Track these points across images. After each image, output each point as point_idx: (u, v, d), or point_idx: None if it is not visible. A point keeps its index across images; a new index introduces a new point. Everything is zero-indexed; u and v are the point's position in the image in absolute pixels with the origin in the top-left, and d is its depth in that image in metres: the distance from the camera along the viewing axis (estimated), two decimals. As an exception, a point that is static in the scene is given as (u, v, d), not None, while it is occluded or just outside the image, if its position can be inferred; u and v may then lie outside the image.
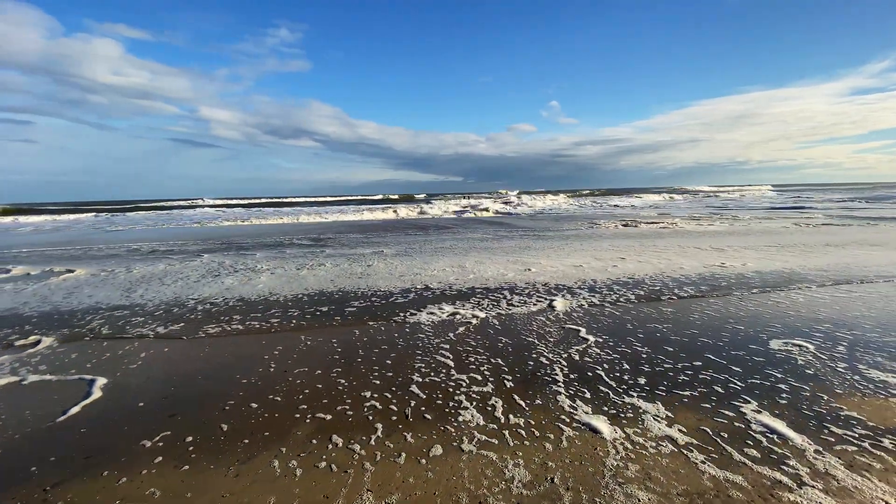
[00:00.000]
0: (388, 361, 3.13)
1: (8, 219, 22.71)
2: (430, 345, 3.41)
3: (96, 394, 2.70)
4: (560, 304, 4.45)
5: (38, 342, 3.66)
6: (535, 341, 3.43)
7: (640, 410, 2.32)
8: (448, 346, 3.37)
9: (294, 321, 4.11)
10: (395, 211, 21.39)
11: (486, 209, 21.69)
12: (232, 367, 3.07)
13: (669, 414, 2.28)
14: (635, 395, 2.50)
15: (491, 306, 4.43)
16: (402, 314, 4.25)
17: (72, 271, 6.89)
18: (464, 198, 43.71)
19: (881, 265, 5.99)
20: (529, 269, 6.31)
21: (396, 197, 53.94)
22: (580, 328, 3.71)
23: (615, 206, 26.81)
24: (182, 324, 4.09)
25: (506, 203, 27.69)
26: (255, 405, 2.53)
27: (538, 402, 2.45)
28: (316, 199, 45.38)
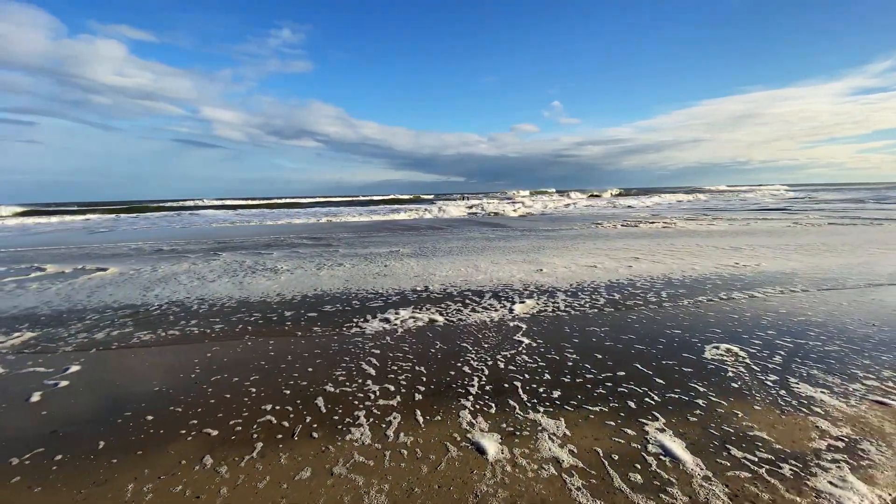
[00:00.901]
0: (310, 370, 3.02)
1: (30, 220, 22.82)
2: (361, 351, 3.29)
3: (-12, 405, 2.60)
4: (522, 308, 4.31)
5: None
6: (472, 348, 3.30)
7: (539, 428, 2.19)
8: (379, 353, 3.26)
9: (240, 327, 4.00)
10: (417, 212, 21.22)
11: (498, 211, 21.42)
12: (152, 376, 2.96)
13: (567, 432, 2.15)
14: (542, 409, 2.37)
15: (463, 310, 4.30)
16: (360, 318, 4.13)
17: (104, 269, 6.88)
18: (472, 198, 43.46)
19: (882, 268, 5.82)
20: (541, 270, 6.19)
21: (409, 197, 53.38)
22: (523, 336, 3.58)
23: (629, 206, 26.59)
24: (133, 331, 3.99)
25: (517, 203, 27.51)
26: (150, 418, 2.42)
27: (438, 417, 2.33)
28: (329, 200, 44.75)
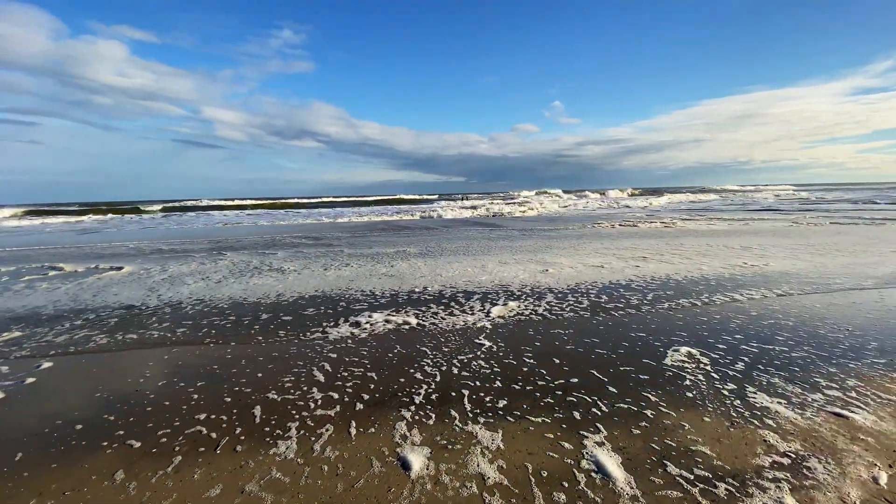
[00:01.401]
0: (260, 376, 2.93)
1: (37, 220, 22.89)
2: (318, 357, 3.19)
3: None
4: (501, 310, 4.19)
5: None
6: (432, 353, 3.20)
7: (474, 441, 2.09)
8: (335, 358, 3.16)
9: (206, 330, 3.91)
10: (430, 214, 21.04)
11: (504, 212, 21.22)
12: (100, 383, 2.87)
13: (502, 445, 2.04)
14: (482, 421, 2.27)
15: (441, 313, 4.20)
16: (332, 322, 4.04)
17: (120, 268, 6.83)
18: (474, 198, 43.10)
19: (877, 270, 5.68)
20: (547, 270, 6.09)
21: (417, 197, 52.79)
22: (486, 340, 3.47)
23: (646, 205, 26.39)
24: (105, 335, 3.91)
25: (525, 204, 27.33)
26: (78, 427, 2.34)
27: (372, 429, 2.22)
28: (336, 200, 44.20)
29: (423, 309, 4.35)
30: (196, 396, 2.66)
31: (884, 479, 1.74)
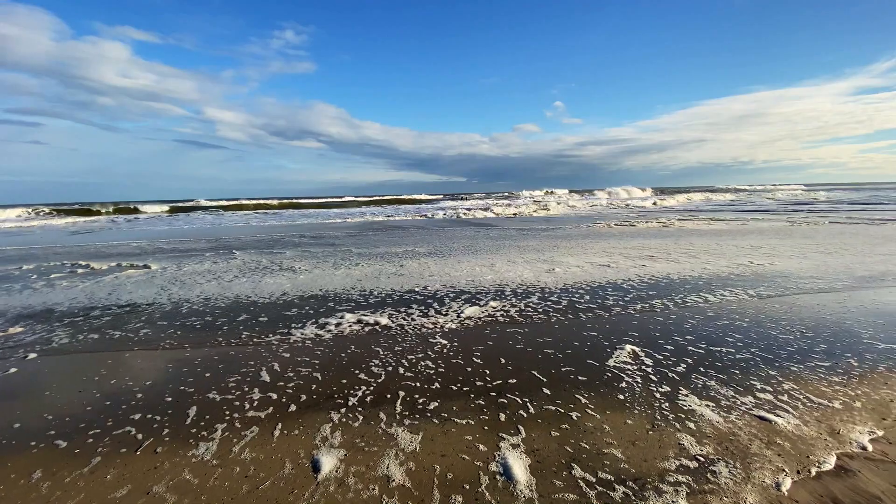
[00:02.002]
0: (208, 375, 2.96)
1: (74, 219, 23.12)
2: (272, 357, 3.21)
3: None
4: (474, 311, 4.19)
5: None
6: (385, 353, 3.21)
7: (393, 442, 2.10)
8: (288, 358, 3.17)
9: (171, 332, 3.95)
10: (445, 214, 20.94)
11: (529, 212, 21.13)
12: (56, 383, 2.90)
13: (419, 447, 2.05)
14: (408, 422, 2.28)
15: (414, 314, 4.22)
16: (302, 324, 4.07)
17: (148, 267, 6.88)
18: (472, 198, 42.72)
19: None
20: (553, 269, 6.09)
21: (429, 197, 52.16)
22: (444, 340, 3.48)
23: (652, 205, 26.28)
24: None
25: (537, 202, 27.27)
26: (16, 426, 2.37)
27: (296, 431, 2.24)
28: (356, 199, 43.29)
29: (404, 309, 4.35)
30: (140, 396, 2.68)
31: (787, 485, 1.74)
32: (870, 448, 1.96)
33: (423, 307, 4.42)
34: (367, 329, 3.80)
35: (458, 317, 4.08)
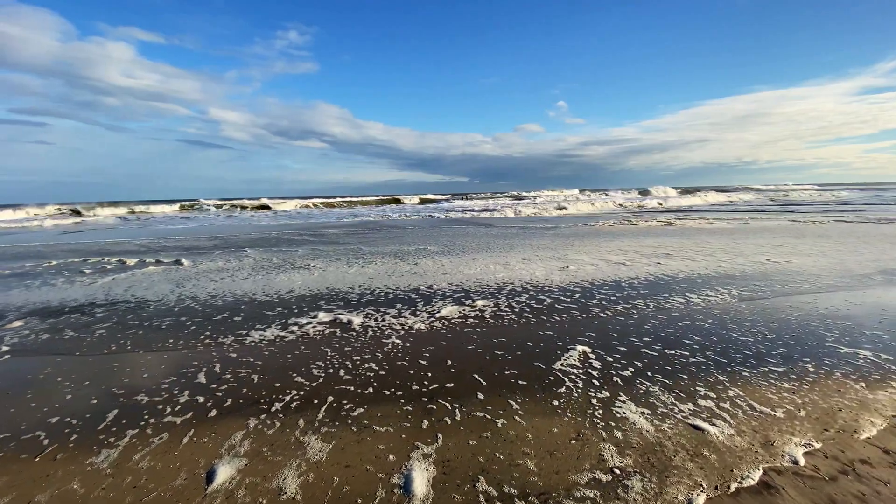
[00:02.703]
0: (146, 377, 2.88)
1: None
2: (218, 360, 3.12)
3: None
4: (449, 311, 4.08)
5: None
6: (333, 356, 3.11)
7: (301, 451, 2.00)
8: (234, 359, 3.08)
9: (127, 334, 3.87)
10: (465, 213, 20.68)
11: (552, 213, 20.72)
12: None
13: (326, 456, 1.95)
14: (325, 429, 2.18)
15: (387, 315, 4.12)
16: (269, 324, 3.98)
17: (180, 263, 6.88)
18: (476, 198, 41.84)
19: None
20: (567, 267, 6.00)
21: (435, 196, 50.67)
22: (398, 340, 3.38)
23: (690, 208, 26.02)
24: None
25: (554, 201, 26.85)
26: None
27: (205, 439, 2.14)
28: (363, 199, 42.23)
29: (382, 309, 4.24)
30: (69, 399, 2.60)
31: (699, 503, 1.61)
32: (802, 462, 1.83)
33: (406, 306, 4.31)
34: (328, 330, 3.69)
35: (432, 316, 3.97)
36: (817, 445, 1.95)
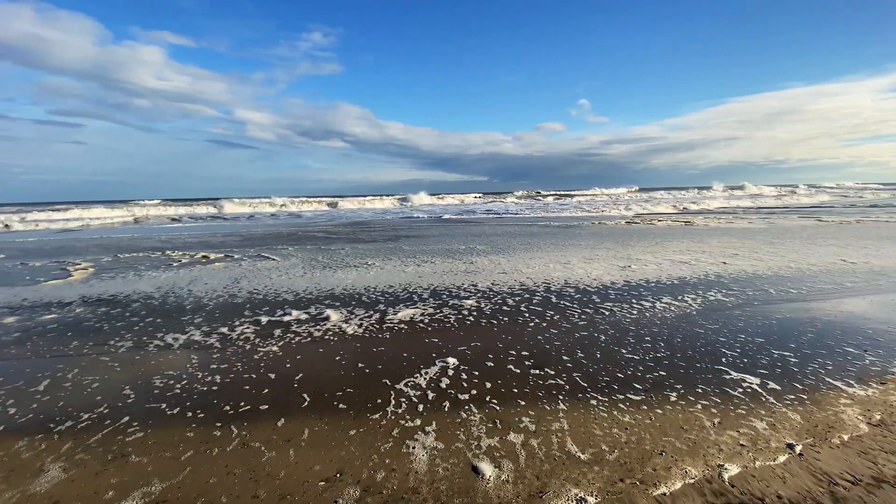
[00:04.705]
0: (106, 383, 2.73)
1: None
2: (190, 364, 2.99)
3: None
4: (410, 313, 3.89)
5: None
6: (296, 362, 2.97)
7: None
8: (198, 364, 2.98)
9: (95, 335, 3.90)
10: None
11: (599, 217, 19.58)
12: None
13: (45, 490, 1.77)
14: (79, 456, 2.00)
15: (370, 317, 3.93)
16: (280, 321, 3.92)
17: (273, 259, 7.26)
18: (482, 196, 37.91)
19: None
20: (629, 266, 5.84)
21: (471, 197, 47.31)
22: (355, 345, 3.19)
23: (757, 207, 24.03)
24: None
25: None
26: None
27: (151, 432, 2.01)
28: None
29: (363, 310, 4.14)
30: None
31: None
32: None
33: (398, 306, 4.20)
34: (326, 333, 3.51)
35: (394, 316, 3.85)
36: None
